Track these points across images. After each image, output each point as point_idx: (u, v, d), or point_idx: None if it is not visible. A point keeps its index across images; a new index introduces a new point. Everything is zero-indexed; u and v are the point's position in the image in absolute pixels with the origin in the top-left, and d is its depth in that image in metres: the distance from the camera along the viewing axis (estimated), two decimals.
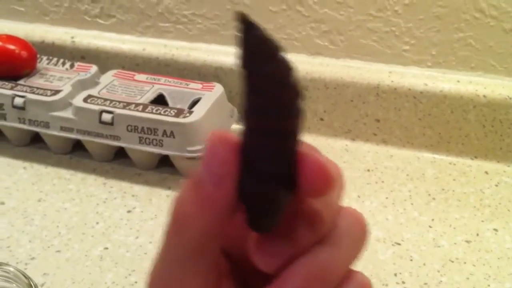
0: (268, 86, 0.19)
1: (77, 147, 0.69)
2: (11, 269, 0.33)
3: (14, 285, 0.33)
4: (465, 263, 0.54)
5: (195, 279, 0.22)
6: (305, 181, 0.20)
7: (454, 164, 0.69)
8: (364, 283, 0.24)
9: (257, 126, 0.20)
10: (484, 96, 0.66)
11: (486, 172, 0.67)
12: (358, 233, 0.24)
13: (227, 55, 0.74)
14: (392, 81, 0.68)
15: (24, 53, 0.69)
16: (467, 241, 0.57)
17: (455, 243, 0.56)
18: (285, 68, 0.20)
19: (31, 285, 0.32)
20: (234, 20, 0.18)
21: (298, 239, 0.22)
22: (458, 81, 0.68)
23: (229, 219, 0.21)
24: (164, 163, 0.67)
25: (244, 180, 0.21)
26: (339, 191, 0.24)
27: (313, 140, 0.73)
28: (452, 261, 0.54)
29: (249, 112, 0.20)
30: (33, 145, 0.71)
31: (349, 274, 0.24)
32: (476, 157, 0.69)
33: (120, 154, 0.68)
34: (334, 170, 0.21)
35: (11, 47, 0.69)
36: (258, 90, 0.20)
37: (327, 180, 0.20)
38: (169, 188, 0.64)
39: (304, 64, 0.72)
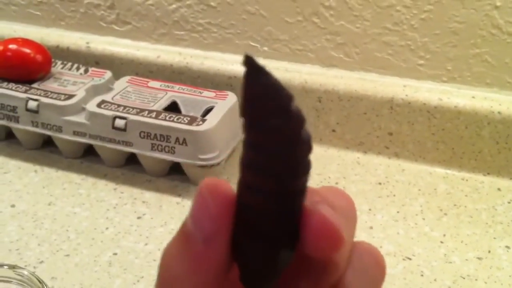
0: (276, 142, 0.17)
1: (89, 152, 0.69)
2: (25, 272, 0.33)
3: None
4: (476, 280, 0.53)
5: None
6: (310, 241, 0.18)
7: (467, 180, 0.68)
8: None
9: (258, 184, 0.18)
10: (499, 112, 0.66)
11: (499, 189, 0.67)
12: (375, 273, 0.22)
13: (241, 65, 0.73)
14: (406, 95, 0.68)
15: (39, 57, 0.70)
16: (479, 258, 0.56)
17: (466, 260, 0.56)
18: (297, 122, 0.17)
19: None
20: (242, 63, 0.17)
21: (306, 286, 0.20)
22: (473, 97, 0.67)
23: (222, 277, 0.19)
24: (175, 170, 0.67)
25: (239, 238, 0.19)
26: (353, 227, 0.22)
27: (325, 152, 0.73)
28: (463, 278, 0.54)
29: (249, 168, 0.18)
30: (45, 149, 0.71)
31: None
32: (489, 174, 0.69)
33: (131, 160, 0.68)
34: (341, 210, 0.20)
35: (26, 50, 0.69)
36: (263, 145, 0.18)
37: (335, 240, 0.18)
38: (179, 195, 0.64)
39: (318, 75, 0.71)
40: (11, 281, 0.34)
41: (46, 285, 0.33)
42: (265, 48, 0.74)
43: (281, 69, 0.73)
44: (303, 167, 0.18)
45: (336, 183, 0.67)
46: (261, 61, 0.73)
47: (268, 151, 0.17)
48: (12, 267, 0.34)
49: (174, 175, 0.67)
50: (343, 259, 0.20)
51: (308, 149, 0.18)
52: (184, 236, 0.19)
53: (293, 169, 0.18)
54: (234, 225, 0.19)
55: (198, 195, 0.19)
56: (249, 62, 0.17)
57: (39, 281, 0.32)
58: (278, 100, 0.17)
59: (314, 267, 0.20)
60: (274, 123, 0.17)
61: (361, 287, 0.21)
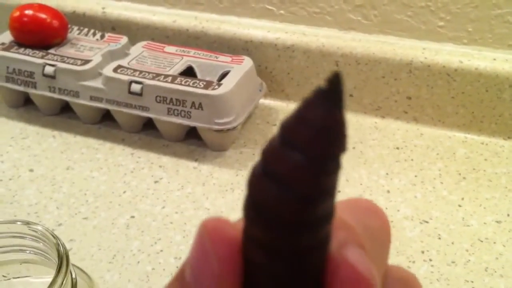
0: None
1: (106, 117, 0.70)
2: (39, 228, 0.33)
3: (41, 244, 0.34)
4: (494, 243, 0.53)
5: None
6: None
7: (486, 144, 0.67)
8: None
9: (266, 240, 0.15)
10: None
11: None
12: None
13: (258, 28, 0.73)
14: (425, 58, 0.67)
15: (55, 23, 0.70)
16: (498, 222, 0.56)
17: (484, 223, 0.55)
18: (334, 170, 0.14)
19: (59, 245, 0.32)
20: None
21: None
22: (494, 59, 0.66)
23: None
24: (192, 135, 0.66)
25: None
26: (386, 253, 0.19)
27: None
28: (481, 241, 0.53)
29: (253, 219, 0.15)
30: (63, 115, 0.72)
31: None
32: (509, 138, 0.68)
33: (148, 125, 0.68)
34: (377, 246, 0.17)
35: (43, 16, 0.69)
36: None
37: None
38: (196, 160, 0.64)
39: (335, 39, 0.70)
40: (25, 237, 0.34)
41: (60, 240, 0.33)
42: (282, 11, 0.73)
43: (298, 33, 0.72)
44: (325, 216, 0.15)
45: (354, 148, 0.66)
46: (278, 25, 0.72)
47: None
48: (26, 223, 0.34)
49: (190, 140, 0.67)
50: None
51: (332, 196, 0.15)
52: (179, 276, 0.17)
53: (310, 223, 0.15)
54: (241, 281, 0.16)
55: (197, 241, 0.16)
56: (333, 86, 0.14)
57: (53, 236, 0.32)
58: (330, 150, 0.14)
59: None
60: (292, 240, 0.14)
61: None
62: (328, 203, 0.14)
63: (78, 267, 0.37)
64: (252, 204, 0.15)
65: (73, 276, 0.33)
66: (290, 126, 0.14)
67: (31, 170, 0.62)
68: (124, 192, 0.59)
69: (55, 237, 0.33)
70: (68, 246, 0.52)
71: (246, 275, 0.16)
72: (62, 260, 0.31)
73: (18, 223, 0.34)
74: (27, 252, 0.35)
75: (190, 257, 0.16)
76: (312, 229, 0.14)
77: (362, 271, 0.15)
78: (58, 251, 0.32)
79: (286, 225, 0.14)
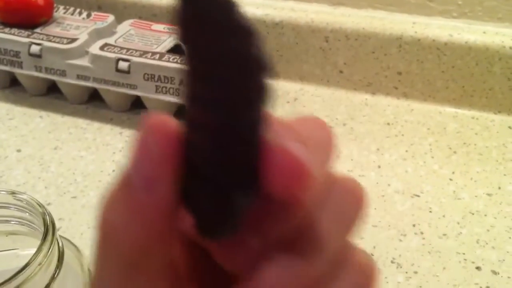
0: (221, 65, 0.14)
1: (94, 97, 0.69)
2: (25, 197, 0.33)
3: (27, 214, 0.33)
4: (485, 215, 0.53)
5: None
6: (272, 180, 0.16)
7: (477, 119, 0.67)
8: (365, 268, 0.20)
9: (204, 118, 0.15)
10: (511, 48, 0.64)
11: (510, 127, 0.66)
12: (352, 206, 0.19)
13: (246, 5, 0.72)
14: (415, 32, 0.66)
15: (40, 1, 0.68)
16: (488, 194, 0.55)
17: (476, 196, 0.55)
18: (247, 40, 0.15)
19: (45, 214, 0.31)
20: None
21: (269, 233, 0.18)
22: (484, 33, 0.65)
23: (170, 227, 0.17)
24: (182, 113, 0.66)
25: (187, 183, 0.16)
26: (328, 158, 0.19)
27: (332, 94, 0.72)
28: (473, 214, 0.53)
29: (194, 101, 0.16)
30: (50, 95, 0.71)
31: (346, 256, 0.19)
32: (499, 112, 0.67)
33: (136, 104, 0.67)
34: (314, 141, 0.17)
35: None
36: (207, 71, 0.15)
37: (299, 174, 0.16)
38: None
39: (324, 14, 0.70)
40: (10, 207, 0.34)
41: (46, 210, 0.32)
42: None
43: (287, 9, 0.71)
44: (256, 95, 0.15)
45: (344, 124, 0.66)
46: (267, 0, 0.71)
47: (212, 77, 0.15)
48: (11, 192, 0.33)
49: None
50: (315, 198, 0.18)
51: (260, 71, 0.15)
52: (124, 182, 0.16)
53: (241, 98, 0.15)
54: (181, 168, 0.16)
55: (139, 135, 0.16)
56: None
57: (39, 205, 0.32)
58: (217, 13, 0.14)
59: (279, 209, 0.17)
60: (211, 40, 0.14)
61: (333, 229, 0.19)
62: (258, 74, 0.15)
63: (65, 238, 0.36)
64: (194, 75, 0.15)
65: (60, 245, 0.33)
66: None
67: (18, 151, 0.61)
68: (113, 171, 0.59)
69: (40, 205, 0.32)
70: (57, 224, 0.51)
71: (186, 158, 0.16)
72: (48, 228, 0.31)
73: (3, 192, 0.34)
74: (12, 222, 0.34)
75: (131, 152, 0.16)
76: (254, 103, 0.15)
77: (296, 155, 0.15)
78: (43, 219, 0.31)
79: (228, 99, 0.15)
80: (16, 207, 0.33)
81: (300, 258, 0.17)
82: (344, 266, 0.19)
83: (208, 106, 0.15)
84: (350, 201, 0.19)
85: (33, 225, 0.34)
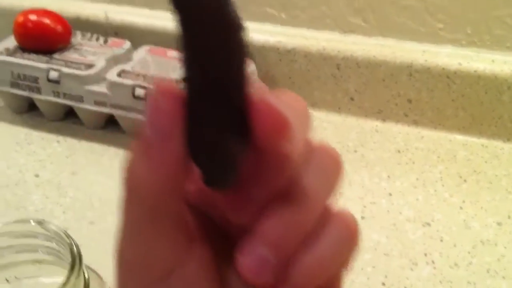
0: (204, 25, 0.17)
1: (110, 122, 0.70)
2: (52, 227, 0.34)
3: (54, 243, 0.34)
4: (496, 245, 0.54)
5: (161, 243, 0.20)
6: (258, 129, 0.19)
7: (486, 147, 0.68)
8: (347, 222, 0.23)
9: (198, 75, 0.18)
10: None
11: None
12: (330, 166, 0.23)
13: (259, 32, 0.73)
14: (425, 60, 0.68)
15: (59, 28, 0.70)
16: (498, 223, 0.56)
17: (486, 225, 0.56)
18: (222, 2, 0.17)
19: (72, 244, 0.33)
20: None
21: (265, 184, 0.21)
22: (493, 61, 0.66)
23: (184, 176, 0.20)
24: None
25: (191, 135, 0.19)
26: (306, 125, 0.22)
27: (343, 120, 0.73)
28: (483, 243, 0.54)
29: (187, 59, 0.18)
30: (67, 120, 0.72)
31: (329, 213, 0.22)
32: (509, 140, 0.68)
33: None
34: (292, 108, 0.20)
35: (47, 21, 0.70)
36: (194, 32, 0.17)
37: (281, 125, 0.19)
38: None
39: (336, 42, 0.71)
40: (38, 237, 0.35)
41: (73, 240, 0.34)
42: (283, 15, 0.73)
43: (299, 36, 0.72)
44: (236, 51, 0.18)
45: (355, 151, 0.67)
46: (279, 28, 0.73)
47: (198, 36, 0.17)
48: (39, 222, 0.35)
49: None
50: (296, 152, 0.20)
51: (237, 29, 0.18)
52: (142, 141, 0.19)
53: (224, 54, 0.18)
54: (185, 121, 0.19)
55: (149, 98, 0.19)
56: None
57: (66, 235, 0.33)
58: None
59: (270, 162, 0.20)
60: (195, 2, 0.17)
61: (314, 179, 0.21)
62: (235, 32, 0.18)
63: (89, 267, 0.37)
64: (184, 40, 0.18)
65: (86, 275, 0.34)
66: None
67: (36, 175, 0.63)
68: None
69: (68, 236, 0.33)
70: None
71: (189, 112, 0.19)
72: (75, 259, 0.32)
73: (32, 222, 0.35)
74: (39, 251, 0.36)
75: (145, 115, 0.19)
76: (236, 59, 0.18)
77: (277, 107, 0.19)
78: (71, 250, 0.32)
79: (212, 56, 0.18)
80: (44, 236, 0.35)
81: (292, 209, 0.21)
82: (330, 221, 0.22)
83: (201, 65, 0.18)
84: (330, 162, 0.23)
85: (59, 254, 0.35)
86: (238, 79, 0.19)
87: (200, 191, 0.23)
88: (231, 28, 0.18)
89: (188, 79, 0.19)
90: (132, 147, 0.20)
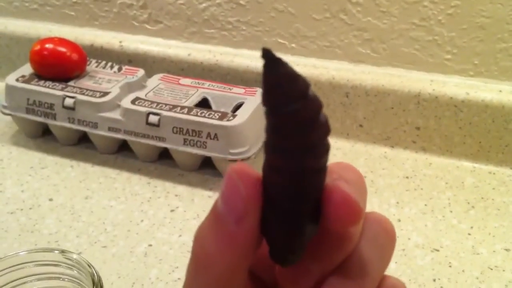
0: (295, 124, 0.19)
1: (123, 147, 0.72)
2: (74, 256, 0.35)
3: (75, 271, 0.35)
4: (504, 271, 0.54)
5: None
6: (332, 215, 0.20)
7: (494, 174, 0.69)
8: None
9: (280, 164, 0.19)
10: None
11: None
12: (384, 241, 0.23)
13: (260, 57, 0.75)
14: (433, 90, 0.69)
15: (74, 56, 0.72)
16: (506, 249, 0.57)
17: (494, 251, 0.57)
18: (314, 106, 0.19)
19: (93, 274, 0.34)
20: (261, 56, 0.18)
21: (326, 260, 0.22)
22: (500, 91, 0.68)
23: (253, 253, 0.21)
24: (207, 164, 0.68)
25: (267, 216, 0.20)
26: (365, 199, 0.23)
27: (352, 147, 0.74)
28: (491, 269, 0.54)
29: (272, 150, 0.20)
30: (80, 145, 0.74)
31: (382, 282, 0.23)
32: None
33: (164, 155, 0.70)
34: (357, 186, 0.21)
35: (62, 49, 0.72)
36: (283, 128, 0.19)
37: (355, 214, 0.20)
38: (210, 189, 0.66)
39: (345, 71, 0.73)
40: (61, 265, 0.36)
41: (94, 269, 0.34)
42: (293, 45, 0.75)
43: (309, 66, 0.74)
44: (322, 147, 0.19)
45: (364, 177, 0.68)
46: (289, 58, 0.74)
47: (288, 133, 0.19)
48: (62, 251, 0.36)
49: (205, 169, 0.69)
50: (359, 230, 0.22)
51: (326, 130, 0.19)
52: (216, 217, 0.20)
53: (312, 149, 0.19)
54: (262, 204, 0.20)
55: (227, 179, 0.20)
56: (267, 54, 0.18)
57: (88, 265, 0.34)
58: (296, 86, 0.18)
59: (334, 240, 0.22)
60: (293, 107, 0.18)
61: (372, 255, 0.22)
62: (323, 133, 0.19)
63: None
64: (273, 130, 0.19)
65: None
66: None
67: (50, 200, 0.64)
68: (142, 220, 0.61)
69: (90, 265, 0.34)
70: None
71: (266, 196, 0.20)
72: (97, 287, 0.33)
73: (55, 251, 0.36)
74: (61, 279, 0.37)
75: (221, 192, 0.20)
76: (314, 155, 0.19)
77: (352, 196, 0.20)
78: (93, 280, 0.33)
79: (298, 151, 0.19)
80: (66, 265, 0.36)
81: (351, 282, 0.22)
82: None
83: (283, 154, 0.19)
84: (385, 235, 0.24)
85: (80, 282, 0.36)
86: (318, 172, 0.20)
87: (260, 256, 0.23)
88: (320, 131, 0.19)
89: (270, 167, 0.20)
90: (205, 219, 0.21)
